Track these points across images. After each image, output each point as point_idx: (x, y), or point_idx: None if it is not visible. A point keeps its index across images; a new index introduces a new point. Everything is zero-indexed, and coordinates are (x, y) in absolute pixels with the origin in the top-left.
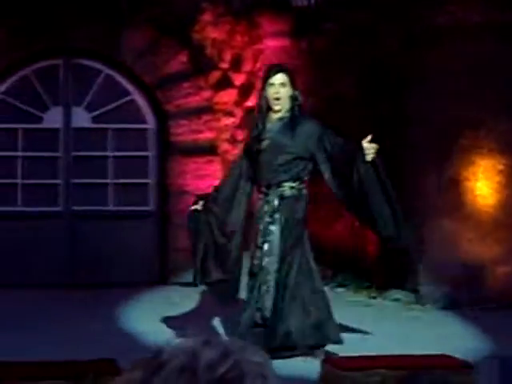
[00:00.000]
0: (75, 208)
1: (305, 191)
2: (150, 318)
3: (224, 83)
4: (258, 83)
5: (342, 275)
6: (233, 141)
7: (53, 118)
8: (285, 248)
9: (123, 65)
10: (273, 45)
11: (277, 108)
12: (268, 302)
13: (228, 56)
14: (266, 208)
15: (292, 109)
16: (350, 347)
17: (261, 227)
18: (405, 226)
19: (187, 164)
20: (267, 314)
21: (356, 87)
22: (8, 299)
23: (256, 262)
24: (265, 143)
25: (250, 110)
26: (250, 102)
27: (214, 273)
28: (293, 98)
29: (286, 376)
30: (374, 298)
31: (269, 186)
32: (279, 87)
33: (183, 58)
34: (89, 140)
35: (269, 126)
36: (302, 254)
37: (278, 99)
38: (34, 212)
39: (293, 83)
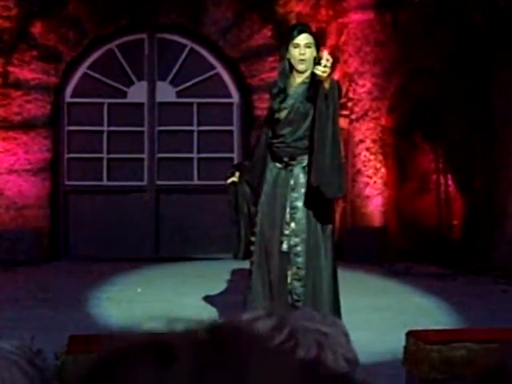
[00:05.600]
0: (160, 182)
1: None
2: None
3: None
4: (342, 57)
5: None
6: None
7: (137, 93)
8: (310, 228)
9: (208, 39)
10: (357, 18)
11: (301, 68)
12: (299, 289)
13: (313, 29)
14: (290, 181)
15: (314, 73)
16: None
17: (286, 202)
18: (333, 175)
19: None
20: (300, 299)
21: (442, 60)
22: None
23: (281, 239)
24: (284, 113)
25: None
26: (335, 76)
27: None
28: (317, 61)
29: (369, 350)
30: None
31: (292, 158)
32: (305, 48)
33: (267, 32)
34: (173, 114)
35: (291, 91)
36: (326, 237)
37: (303, 60)
38: (118, 186)
39: (317, 45)
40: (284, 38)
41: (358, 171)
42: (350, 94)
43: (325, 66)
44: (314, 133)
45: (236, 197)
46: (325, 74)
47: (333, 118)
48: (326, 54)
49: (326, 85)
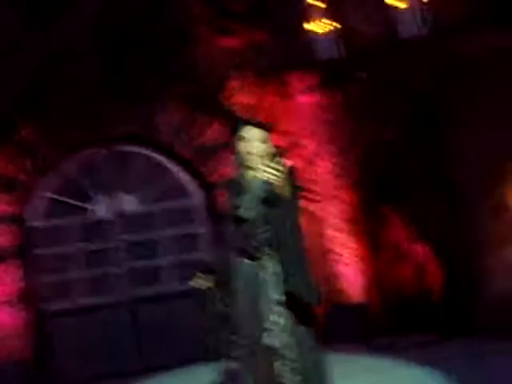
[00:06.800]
0: (136, 293)
1: None
2: None
3: None
4: (297, 141)
5: None
6: None
7: (100, 208)
8: (292, 317)
9: (162, 144)
10: (306, 101)
11: (251, 163)
12: (290, 381)
13: (262, 118)
14: (262, 275)
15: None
16: None
17: (263, 297)
18: (304, 282)
19: None
20: None
21: (395, 130)
22: None
23: (265, 334)
24: (245, 212)
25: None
26: (293, 161)
27: (224, 348)
28: (268, 151)
29: None
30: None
31: (260, 251)
32: (252, 141)
33: (218, 127)
34: (138, 224)
35: (247, 186)
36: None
37: (251, 154)
38: (95, 303)
39: (266, 136)
40: (233, 134)
41: (329, 250)
42: (312, 176)
43: (270, 171)
44: (274, 241)
45: (205, 299)
46: (271, 179)
47: (291, 223)
48: (273, 163)
49: (278, 187)
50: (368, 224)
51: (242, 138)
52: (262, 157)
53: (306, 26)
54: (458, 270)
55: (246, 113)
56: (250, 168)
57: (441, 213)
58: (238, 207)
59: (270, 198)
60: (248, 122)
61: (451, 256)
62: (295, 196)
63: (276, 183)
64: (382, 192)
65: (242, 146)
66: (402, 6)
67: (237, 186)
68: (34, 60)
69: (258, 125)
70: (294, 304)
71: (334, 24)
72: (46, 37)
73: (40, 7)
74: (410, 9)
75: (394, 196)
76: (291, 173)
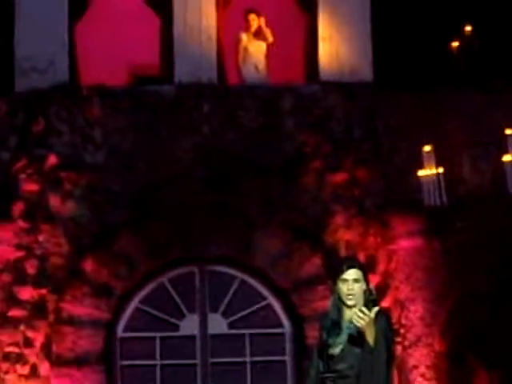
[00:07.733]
0: None
1: None
2: None
3: None
4: (393, 283)
5: None
6: None
7: (189, 325)
8: None
9: (258, 270)
10: (406, 245)
11: (351, 304)
12: None
13: (362, 257)
14: None
15: (366, 305)
16: None
17: None
18: None
19: None
20: None
21: (491, 283)
22: None
23: None
24: (338, 348)
25: (385, 310)
26: (386, 303)
27: None
28: (366, 294)
29: None
30: None
31: None
32: (353, 283)
33: (317, 260)
34: (226, 346)
35: (344, 325)
36: None
37: (352, 295)
38: None
39: (366, 278)
40: (333, 271)
41: None
42: (403, 321)
43: (360, 315)
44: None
45: None
46: (359, 324)
47: (373, 366)
48: (366, 306)
49: (369, 337)
50: (454, 374)
51: (341, 278)
52: (357, 298)
53: (414, 170)
54: None
55: (347, 250)
56: (345, 307)
57: None
58: (328, 344)
59: (357, 340)
60: (348, 263)
61: None
62: (385, 340)
63: (364, 327)
64: (471, 344)
65: (340, 286)
66: (510, 159)
67: (330, 323)
68: (143, 177)
69: (358, 265)
70: None
71: (441, 171)
72: (156, 155)
73: (153, 128)
74: None
75: (483, 349)
76: (386, 318)
